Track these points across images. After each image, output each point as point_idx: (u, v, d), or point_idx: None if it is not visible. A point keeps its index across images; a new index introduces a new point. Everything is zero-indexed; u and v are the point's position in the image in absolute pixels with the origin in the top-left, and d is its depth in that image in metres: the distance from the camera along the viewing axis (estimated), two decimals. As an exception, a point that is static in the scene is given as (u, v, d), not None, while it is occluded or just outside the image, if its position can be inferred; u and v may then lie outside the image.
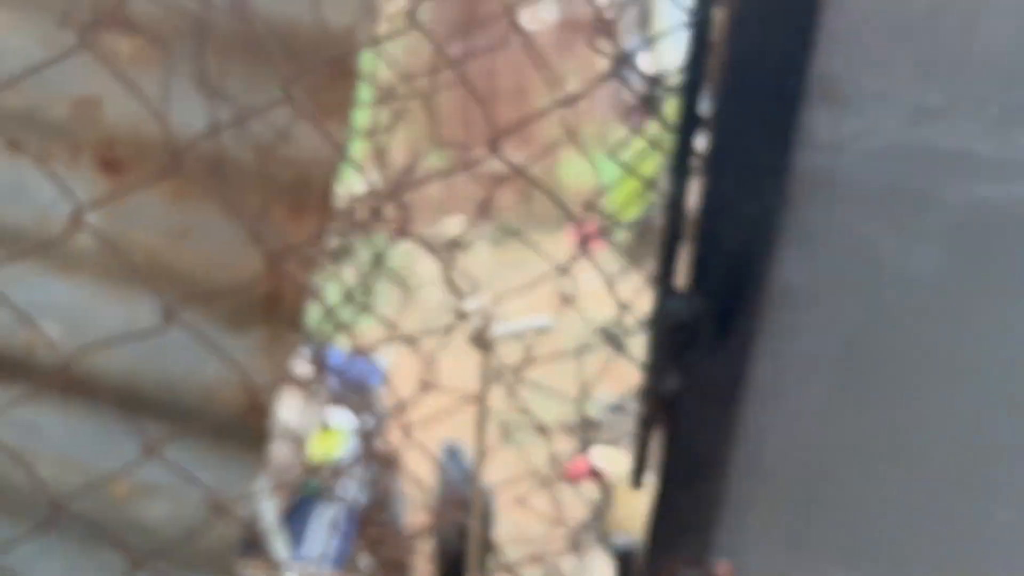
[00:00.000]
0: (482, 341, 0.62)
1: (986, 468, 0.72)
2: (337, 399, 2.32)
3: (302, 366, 2.10)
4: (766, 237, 0.63)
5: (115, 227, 1.04)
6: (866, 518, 0.76)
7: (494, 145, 0.89)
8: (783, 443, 0.74)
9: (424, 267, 4.50)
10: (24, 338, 1.03)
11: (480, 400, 0.67)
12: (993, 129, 0.62)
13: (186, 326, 0.96)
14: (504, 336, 0.62)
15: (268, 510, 1.40)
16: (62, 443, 1.03)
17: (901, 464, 0.73)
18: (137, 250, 1.04)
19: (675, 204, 0.64)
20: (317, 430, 2.10)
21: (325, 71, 0.98)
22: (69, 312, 1.04)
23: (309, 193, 1.05)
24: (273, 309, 1.05)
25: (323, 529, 2.02)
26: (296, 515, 2.00)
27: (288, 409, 1.96)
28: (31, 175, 1.01)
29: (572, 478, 2.13)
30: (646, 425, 0.72)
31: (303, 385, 2.01)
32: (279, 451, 1.96)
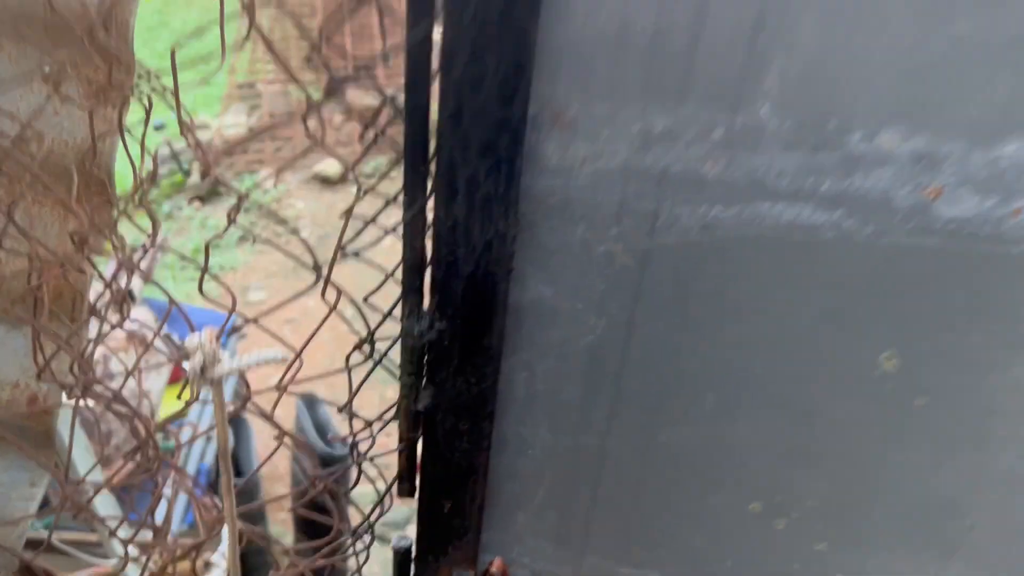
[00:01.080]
0: (206, 378, 0.60)
1: (730, 466, 0.76)
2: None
3: (142, 325, 2.03)
4: (501, 259, 0.63)
5: None
6: (624, 516, 0.79)
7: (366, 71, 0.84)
8: (542, 448, 0.75)
9: (300, 206, 4.38)
10: None
11: (220, 436, 0.66)
12: (719, 152, 0.62)
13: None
14: (236, 370, 0.60)
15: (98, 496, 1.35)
16: None
17: (654, 465, 0.76)
18: None
19: (413, 228, 0.63)
20: (163, 385, 2.05)
21: (91, 53, 0.92)
22: None
23: (82, 182, 0.99)
24: (48, 304, 0.99)
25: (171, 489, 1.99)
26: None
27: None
28: None
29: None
30: (406, 439, 0.73)
31: (142, 344, 1.94)
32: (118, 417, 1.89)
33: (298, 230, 4.20)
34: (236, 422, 2.23)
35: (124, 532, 1.44)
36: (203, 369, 0.59)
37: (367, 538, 0.82)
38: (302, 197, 4.39)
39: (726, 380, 0.71)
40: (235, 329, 2.39)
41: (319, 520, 0.87)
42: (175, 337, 2.15)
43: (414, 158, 0.60)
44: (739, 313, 0.69)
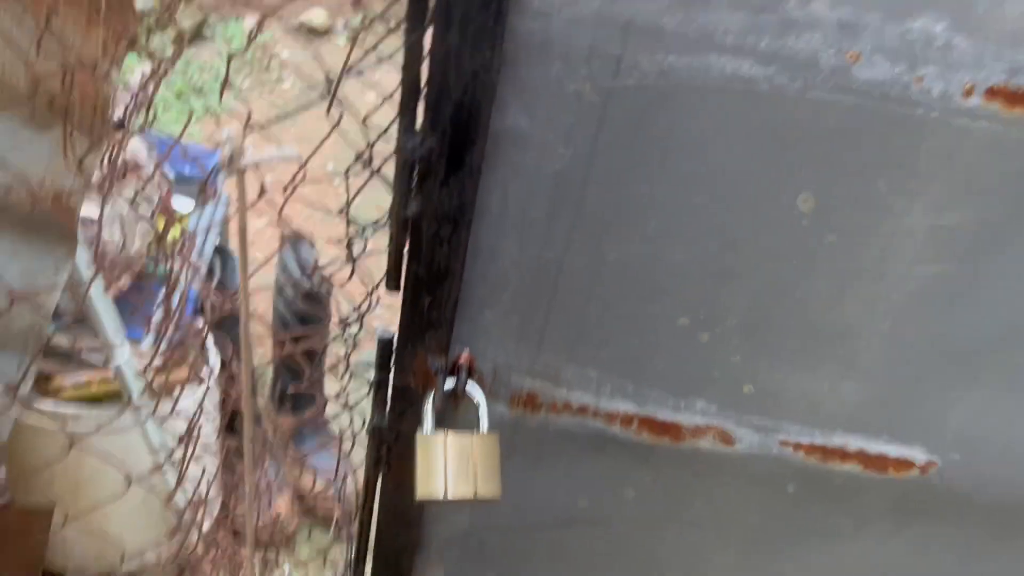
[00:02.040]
0: (232, 168, 0.71)
1: (665, 283, 0.90)
2: (178, 185, 2.35)
3: (139, 155, 2.12)
4: (487, 88, 0.74)
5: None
6: (574, 321, 0.93)
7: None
8: (510, 257, 0.89)
9: (286, 55, 4.35)
10: None
11: (240, 223, 0.78)
12: (677, 7, 0.73)
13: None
14: (259, 162, 0.71)
15: (97, 293, 1.48)
16: None
17: (602, 278, 0.90)
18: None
19: (412, 52, 0.73)
20: (155, 216, 2.15)
21: None
22: None
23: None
24: (72, 112, 1.09)
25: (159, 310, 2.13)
26: (135, 297, 2.09)
27: (121, 196, 2.00)
28: None
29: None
30: (394, 240, 0.85)
31: (136, 172, 2.04)
32: (114, 237, 2.01)
33: (281, 79, 4.20)
34: (222, 252, 2.36)
35: (124, 340, 1.59)
36: (230, 159, 0.71)
37: (355, 328, 0.96)
38: (288, 46, 4.37)
39: (668, 208, 0.85)
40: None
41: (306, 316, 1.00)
42: (166, 171, 2.24)
43: None
44: (684, 151, 0.81)
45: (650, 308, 0.93)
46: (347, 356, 1.00)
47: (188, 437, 0.92)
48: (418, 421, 0.98)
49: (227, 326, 2.20)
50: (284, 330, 2.25)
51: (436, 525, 1.16)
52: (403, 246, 0.86)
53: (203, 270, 2.34)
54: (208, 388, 1.95)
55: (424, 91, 0.75)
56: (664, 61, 0.76)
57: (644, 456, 1.05)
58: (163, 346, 2.15)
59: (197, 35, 4.23)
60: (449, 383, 0.96)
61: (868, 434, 1.01)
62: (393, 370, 0.96)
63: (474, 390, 0.96)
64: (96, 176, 1.42)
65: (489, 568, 1.23)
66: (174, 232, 2.28)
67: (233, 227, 2.95)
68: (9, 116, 1.06)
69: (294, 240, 2.47)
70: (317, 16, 4.56)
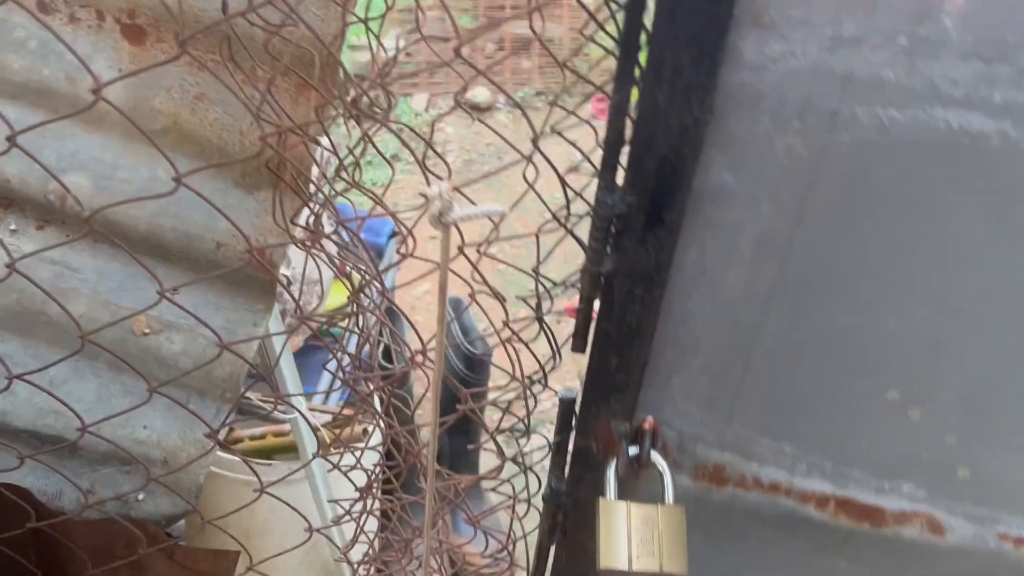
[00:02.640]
0: (440, 222, 0.72)
1: (875, 354, 0.84)
2: (351, 252, 2.46)
3: (322, 222, 2.22)
4: (693, 144, 0.72)
5: (137, 91, 1.15)
6: (770, 390, 0.88)
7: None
8: (704, 320, 0.85)
9: (449, 131, 4.54)
10: (56, 188, 1.15)
11: (441, 279, 0.78)
12: (901, 59, 0.69)
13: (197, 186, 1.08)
14: (465, 217, 0.72)
15: (278, 347, 1.55)
16: (93, 283, 1.17)
17: (804, 346, 0.85)
18: (157, 113, 1.15)
19: (618, 109, 0.73)
20: (331, 278, 2.24)
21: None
22: (97, 166, 1.15)
23: (314, 69, 1.13)
24: (278, 174, 1.16)
25: (328, 369, 2.21)
26: (307, 356, 2.18)
27: (301, 257, 2.09)
28: (61, 36, 1.11)
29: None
30: (586, 299, 0.84)
31: (317, 239, 2.14)
32: (296, 297, 2.10)
33: (446, 152, 4.37)
34: (391, 314, 2.43)
35: (300, 395, 1.64)
36: (440, 213, 0.71)
37: (539, 387, 0.95)
38: (452, 123, 4.55)
39: (883, 272, 0.79)
40: (394, 234, 2.56)
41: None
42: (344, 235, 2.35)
43: (628, 47, 0.69)
44: (903, 211, 0.76)
45: (856, 381, 0.86)
46: (528, 416, 0.98)
47: (367, 491, 0.93)
48: (597, 488, 0.95)
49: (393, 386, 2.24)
50: (445, 392, 2.28)
51: None
52: (593, 305, 0.84)
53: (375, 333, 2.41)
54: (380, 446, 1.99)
55: (627, 147, 0.74)
56: (884, 115, 0.72)
57: (840, 541, 0.97)
58: (339, 402, 2.22)
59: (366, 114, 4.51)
60: (632, 450, 0.92)
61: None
62: (574, 432, 0.94)
63: (658, 459, 0.92)
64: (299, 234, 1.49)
65: None
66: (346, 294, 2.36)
67: (400, 295, 3.05)
68: (224, 177, 1.13)
69: (455, 304, 2.51)
70: (480, 94, 4.75)
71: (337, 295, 2.38)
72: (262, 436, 2.15)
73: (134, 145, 1.17)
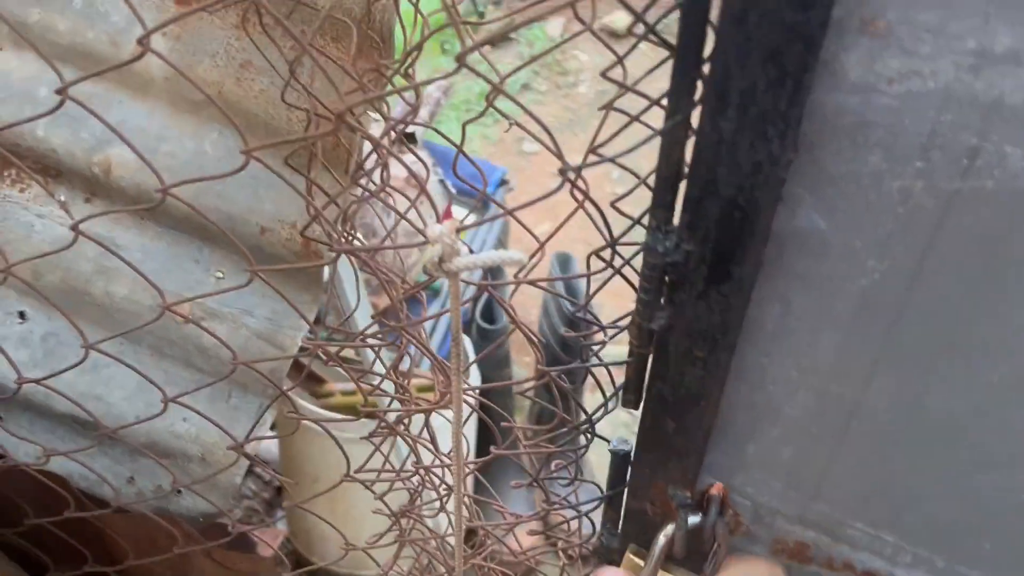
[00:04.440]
0: (441, 270, 0.59)
1: (1007, 445, 0.64)
2: (459, 198, 2.34)
3: (418, 166, 2.13)
4: (769, 186, 0.54)
5: (181, 57, 1.05)
6: (869, 472, 0.70)
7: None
8: (786, 387, 0.68)
9: (583, 59, 4.28)
10: (101, 159, 1.08)
11: (454, 329, 0.66)
12: (1079, 83, 0.48)
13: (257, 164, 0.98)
14: (472, 266, 0.59)
15: (362, 311, 1.48)
16: (136, 263, 1.10)
17: (915, 428, 0.66)
18: (203, 82, 1.05)
19: (672, 137, 0.55)
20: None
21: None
22: (142, 137, 1.07)
23: (370, 33, 1.00)
24: (329, 153, 1.04)
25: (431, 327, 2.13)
26: (411, 308, 2.11)
27: (404, 206, 2.01)
28: (104, -1, 1.03)
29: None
30: (635, 353, 0.68)
31: (417, 184, 2.03)
32: (390, 252, 2.04)
33: (578, 83, 4.11)
34: (494, 269, 2.32)
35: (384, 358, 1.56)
36: (441, 260, 0.58)
37: (586, 437, 0.81)
38: (586, 50, 4.26)
39: (1018, 353, 0.59)
40: (504, 182, 2.42)
41: (551, 402, 0.87)
42: (448, 183, 2.23)
43: (685, 59, 0.52)
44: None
45: (980, 475, 0.67)
46: (576, 464, 0.85)
47: (456, 453, 0.83)
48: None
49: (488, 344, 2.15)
50: (546, 351, 2.16)
51: None
52: (646, 360, 0.69)
53: (474, 287, 2.32)
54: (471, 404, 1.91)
55: (685, 183, 0.57)
56: (1047, 158, 0.51)
57: None
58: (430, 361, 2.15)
59: (504, 39, 4.25)
60: (694, 519, 0.77)
61: None
62: (627, 493, 0.80)
63: (721, 530, 0.77)
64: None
65: None
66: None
67: (514, 235, 2.92)
68: (272, 155, 1.03)
69: (563, 260, 2.36)
70: (620, 19, 4.42)
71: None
72: (354, 392, 2.12)
73: (179, 116, 1.08)
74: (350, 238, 0.99)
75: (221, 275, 1.07)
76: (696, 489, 0.77)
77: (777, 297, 0.63)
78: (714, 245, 0.58)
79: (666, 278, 0.62)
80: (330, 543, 2.20)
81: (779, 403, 0.69)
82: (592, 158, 0.63)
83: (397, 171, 2.12)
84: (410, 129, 2.14)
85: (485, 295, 2.22)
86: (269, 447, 2.26)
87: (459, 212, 2.31)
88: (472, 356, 2.10)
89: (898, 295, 0.60)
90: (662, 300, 0.63)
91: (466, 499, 1.01)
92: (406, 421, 1.16)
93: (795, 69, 0.49)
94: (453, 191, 2.22)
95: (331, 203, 0.98)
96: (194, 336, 1.08)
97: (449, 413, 0.78)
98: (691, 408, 0.69)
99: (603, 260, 0.68)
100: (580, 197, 0.66)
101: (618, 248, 0.70)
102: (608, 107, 0.63)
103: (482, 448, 2.30)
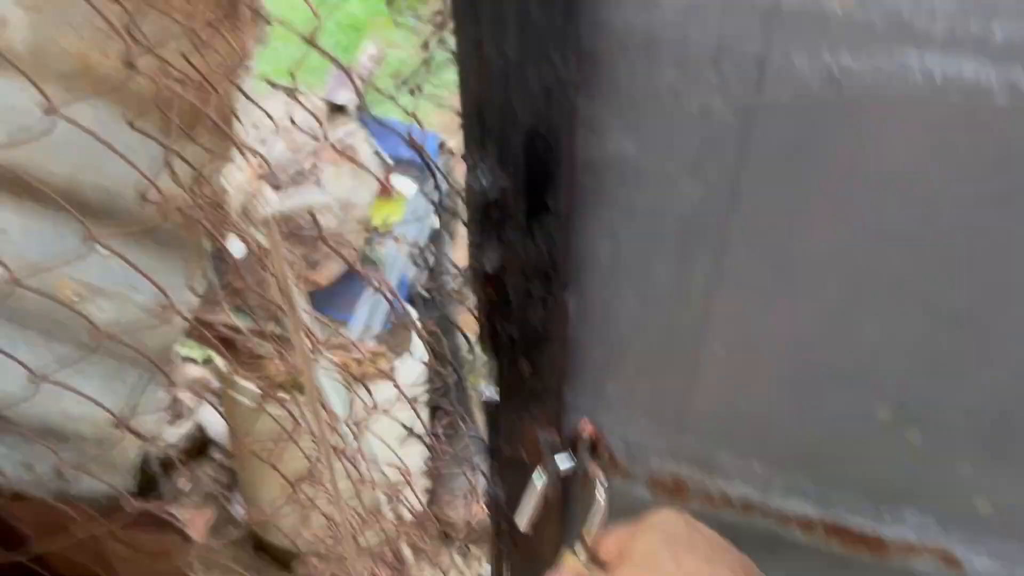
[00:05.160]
0: (253, 220, 0.58)
1: (854, 365, 0.64)
2: (397, 167, 2.32)
3: (354, 137, 2.10)
4: (564, 111, 0.53)
5: (43, 30, 1.02)
6: (727, 402, 0.70)
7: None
8: (630, 320, 0.67)
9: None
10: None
11: (280, 279, 0.65)
12: (850, -19, 0.47)
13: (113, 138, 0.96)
14: (284, 211, 0.58)
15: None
16: (19, 245, 1.09)
17: (762, 353, 0.66)
18: (67, 54, 1.03)
19: (467, 64, 0.54)
20: (372, 198, 2.13)
21: None
22: (10, 115, 1.05)
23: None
24: (209, 124, 1.02)
25: (372, 297, 2.11)
26: (351, 282, 2.09)
27: (339, 177, 1.99)
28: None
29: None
30: (481, 298, 0.67)
31: (350, 156, 2.01)
32: (329, 220, 2.02)
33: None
34: (437, 236, 2.30)
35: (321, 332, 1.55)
36: (244, 210, 0.57)
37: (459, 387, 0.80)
38: None
39: (854, 269, 0.58)
40: (441, 145, 2.40)
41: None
42: (384, 154, 2.20)
43: None
44: (874, 190, 0.55)
45: (834, 396, 0.66)
46: (456, 407, 0.84)
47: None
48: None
49: (437, 312, 2.14)
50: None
51: None
52: (493, 304, 0.68)
53: (418, 255, 2.30)
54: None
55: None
56: (834, 63, 0.50)
57: (839, 567, 0.78)
58: (381, 330, 2.14)
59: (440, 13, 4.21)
60: (565, 462, 0.77)
61: None
62: (500, 441, 0.79)
63: (596, 472, 0.76)
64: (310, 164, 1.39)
65: None
66: (395, 214, 2.25)
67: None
68: (149, 125, 1.01)
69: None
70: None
71: (379, 215, 2.26)
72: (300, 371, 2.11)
73: (49, 91, 1.06)
74: (206, 203, 0.98)
75: (107, 252, 1.06)
76: (564, 431, 0.76)
77: (606, 231, 0.62)
78: (526, 177, 0.57)
79: (492, 217, 0.61)
80: (286, 524, 2.20)
81: (627, 338, 0.68)
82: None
83: (329, 144, 2.09)
84: (341, 101, 2.12)
85: (428, 271, 2.20)
86: (219, 428, 2.26)
87: (400, 182, 2.29)
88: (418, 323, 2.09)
89: (720, 217, 0.59)
90: (492, 241, 0.62)
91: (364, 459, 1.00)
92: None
93: (562, -16, 0.48)
94: (390, 162, 2.19)
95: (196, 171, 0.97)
96: (82, 312, 1.07)
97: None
98: (541, 348, 0.68)
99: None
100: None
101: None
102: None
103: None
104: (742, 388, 0.69)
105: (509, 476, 0.83)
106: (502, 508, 0.86)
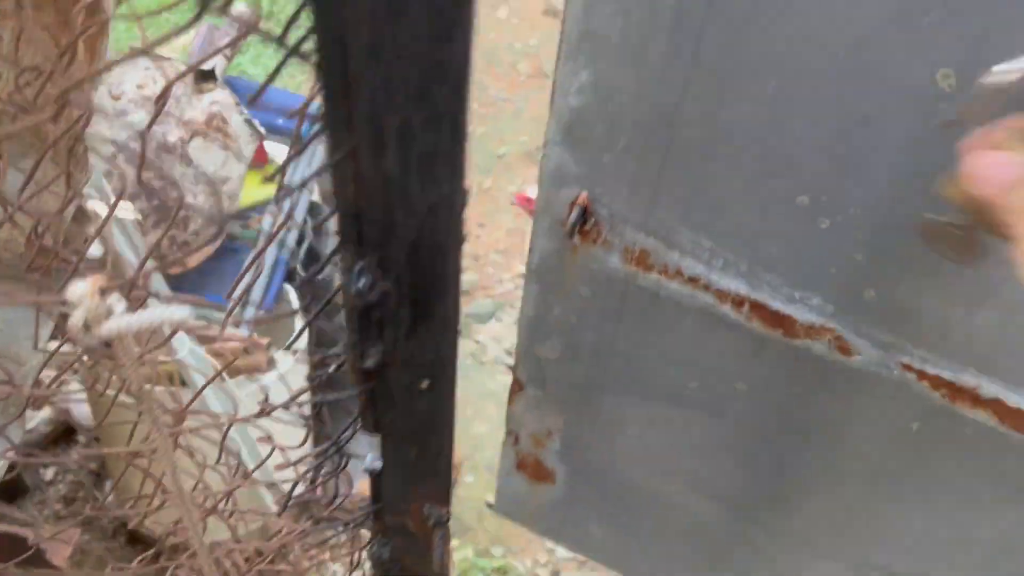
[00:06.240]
0: (92, 340, 0.51)
1: (782, 157, 0.74)
2: (272, 136, 2.19)
3: (223, 106, 1.98)
4: (454, 225, 0.48)
5: None
6: (689, 180, 0.81)
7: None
8: (628, 95, 0.79)
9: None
10: None
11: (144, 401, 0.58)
12: None
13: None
14: (125, 330, 0.50)
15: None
16: None
17: (717, 138, 0.77)
18: None
19: (340, 174, 0.47)
20: (244, 170, 2.02)
21: None
22: None
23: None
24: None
25: (248, 274, 2.01)
26: (223, 261, 1.98)
27: (208, 154, 1.88)
28: None
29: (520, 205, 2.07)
30: (361, 388, 0.62)
31: (219, 127, 1.89)
32: (199, 199, 1.91)
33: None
34: (314, 210, 2.20)
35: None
36: (87, 326, 0.49)
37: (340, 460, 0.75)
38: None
39: (788, 68, 0.68)
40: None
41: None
42: (256, 122, 2.06)
43: (330, 86, 0.42)
44: (807, 4, 0.64)
45: (768, 180, 0.76)
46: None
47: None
48: (424, 563, 0.78)
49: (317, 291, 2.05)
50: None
51: (558, 372, 1.06)
52: (372, 395, 0.63)
53: (295, 231, 2.20)
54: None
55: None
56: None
57: (757, 348, 0.89)
58: (260, 311, 2.04)
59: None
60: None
61: (1008, 382, 0.77)
62: (384, 509, 0.75)
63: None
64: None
65: (599, 427, 1.12)
66: (268, 189, 2.14)
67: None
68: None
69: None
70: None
71: (252, 189, 2.15)
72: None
73: None
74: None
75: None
76: (450, 507, 0.74)
77: (620, 10, 0.71)
78: (410, 286, 0.52)
79: (371, 318, 0.56)
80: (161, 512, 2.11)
81: (623, 112, 0.77)
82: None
83: (197, 114, 1.96)
84: (208, 66, 1.97)
85: (305, 248, 2.10)
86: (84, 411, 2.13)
87: (274, 148, 2.15)
88: (295, 305, 1.98)
89: (700, 11, 0.68)
90: (373, 340, 0.57)
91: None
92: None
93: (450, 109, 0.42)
94: (262, 130, 2.03)
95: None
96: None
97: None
98: (428, 436, 0.64)
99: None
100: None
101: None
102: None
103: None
104: (701, 171, 0.78)
105: (394, 536, 0.80)
106: (388, 570, 0.83)
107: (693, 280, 0.87)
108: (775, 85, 0.69)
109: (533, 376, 1.06)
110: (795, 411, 0.90)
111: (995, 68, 0.52)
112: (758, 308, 0.86)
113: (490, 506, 1.30)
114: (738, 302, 0.88)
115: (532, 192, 1.90)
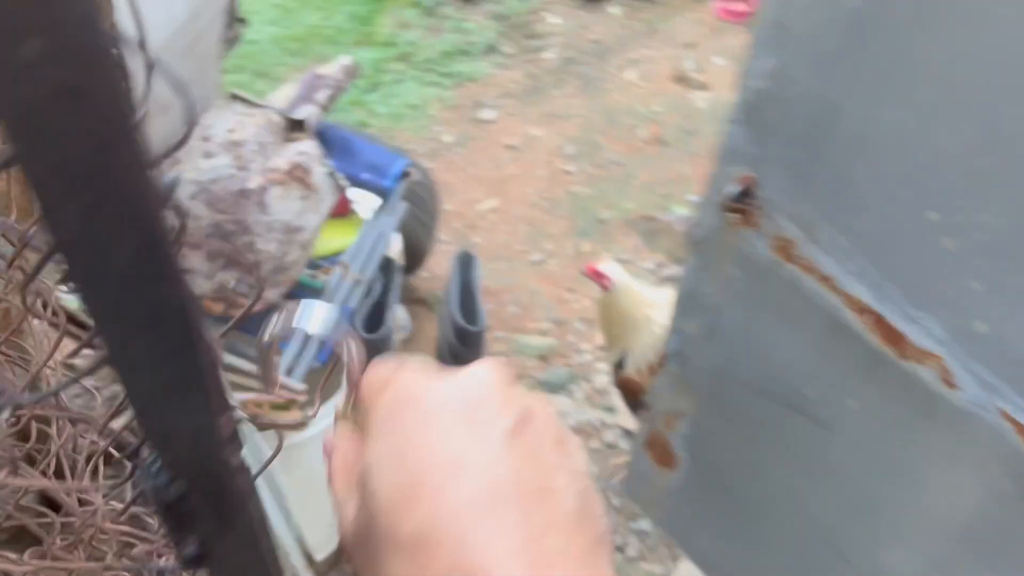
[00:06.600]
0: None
1: (930, 169, 0.68)
2: (356, 185, 2.19)
3: (309, 157, 2.00)
4: (222, 453, 0.42)
5: None
6: (840, 178, 0.76)
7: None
8: (800, 84, 0.75)
9: (554, 23, 4.06)
10: None
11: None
12: None
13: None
14: None
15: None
16: None
17: (875, 141, 0.72)
18: None
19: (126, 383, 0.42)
20: (321, 221, 2.03)
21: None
22: None
23: None
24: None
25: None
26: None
27: (285, 203, 1.90)
28: None
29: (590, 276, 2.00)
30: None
31: (301, 177, 1.90)
32: (271, 246, 1.93)
33: (544, 48, 3.85)
34: (387, 266, 2.18)
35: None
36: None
37: None
38: (560, 13, 3.93)
39: (941, 77, 0.65)
40: (405, 175, 2.22)
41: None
42: (341, 175, 2.07)
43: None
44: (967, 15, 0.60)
45: (904, 188, 0.71)
46: None
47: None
48: None
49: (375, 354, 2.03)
50: (445, 345, 2.02)
51: (697, 351, 1.03)
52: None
53: (364, 286, 2.19)
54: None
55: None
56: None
57: (871, 364, 0.81)
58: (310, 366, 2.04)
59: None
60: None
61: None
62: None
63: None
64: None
65: (724, 418, 1.07)
66: (348, 237, 2.14)
67: (460, 209, 2.76)
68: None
69: (464, 259, 2.18)
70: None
71: (330, 238, 2.14)
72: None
73: None
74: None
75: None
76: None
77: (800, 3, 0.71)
78: (207, 493, 0.46)
79: (176, 514, 0.50)
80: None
81: (792, 99, 0.76)
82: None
83: (281, 163, 1.98)
84: (300, 115, 2.00)
85: (373, 304, 2.10)
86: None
87: (361, 197, 2.15)
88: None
89: (876, 12, 0.65)
90: (185, 535, 0.51)
91: None
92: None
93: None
94: (344, 183, 2.03)
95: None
96: None
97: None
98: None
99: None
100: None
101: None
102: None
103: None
104: (850, 166, 0.74)
105: None
106: None
107: (826, 279, 0.84)
108: (927, 92, 0.68)
109: (676, 351, 1.04)
110: (897, 442, 0.84)
111: None
112: (879, 321, 0.82)
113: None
114: (862, 310, 0.84)
115: (605, 267, 1.81)
